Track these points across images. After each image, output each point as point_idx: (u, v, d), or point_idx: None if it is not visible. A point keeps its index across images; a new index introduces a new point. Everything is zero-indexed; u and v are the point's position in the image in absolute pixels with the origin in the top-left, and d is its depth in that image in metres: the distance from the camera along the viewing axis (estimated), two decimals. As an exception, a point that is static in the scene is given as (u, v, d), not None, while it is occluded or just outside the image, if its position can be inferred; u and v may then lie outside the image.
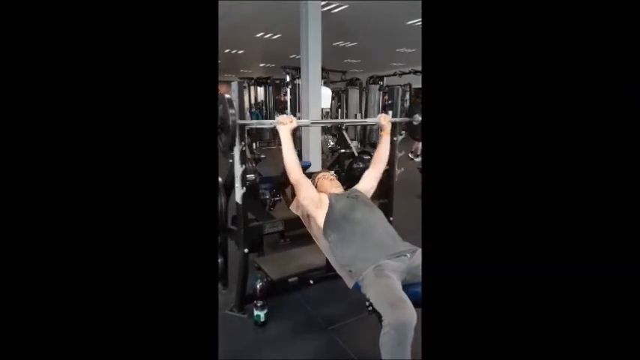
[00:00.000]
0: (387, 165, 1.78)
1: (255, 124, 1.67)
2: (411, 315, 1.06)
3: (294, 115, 6.21)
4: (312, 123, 1.79)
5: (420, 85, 8.50)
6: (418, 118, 1.88)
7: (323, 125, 5.10)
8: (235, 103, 1.62)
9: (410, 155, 5.90)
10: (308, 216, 1.60)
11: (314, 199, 1.53)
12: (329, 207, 1.53)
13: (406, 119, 1.90)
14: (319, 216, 1.51)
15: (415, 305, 1.11)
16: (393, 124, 1.85)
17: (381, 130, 1.76)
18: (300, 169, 1.53)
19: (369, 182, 1.71)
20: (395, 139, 1.98)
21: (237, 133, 1.51)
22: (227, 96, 1.48)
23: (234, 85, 1.61)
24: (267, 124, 1.58)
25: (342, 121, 2.06)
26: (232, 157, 1.61)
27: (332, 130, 5.95)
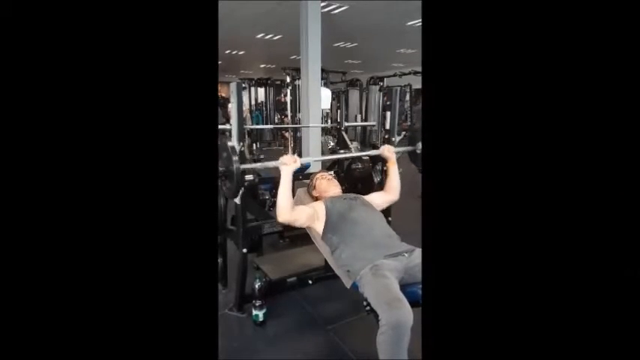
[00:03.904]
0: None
1: (259, 166, 1.60)
2: (407, 315, 1.06)
3: (295, 116, 6.21)
4: (315, 160, 1.73)
5: (420, 86, 8.50)
6: (420, 146, 1.88)
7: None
8: (234, 105, 1.63)
9: None
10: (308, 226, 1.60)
11: (309, 217, 1.52)
12: (326, 211, 1.54)
13: (409, 148, 1.91)
14: (318, 226, 1.53)
15: (413, 305, 1.11)
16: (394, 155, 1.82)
17: (387, 161, 1.76)
18: (292, 210, 1.46)
19: (376, 200, 1.69)
20: (393, 139, 1.99)
21: (241, 180, 1.48)
22: (229, 144, 1.47)
23: (233, 86, 1.62)
24: (270, 165, 1.55)
25: (346, 155, 2.03)
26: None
27: (332, 131, 5.95)
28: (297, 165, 1.48)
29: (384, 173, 1.80)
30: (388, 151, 1.74)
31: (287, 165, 1.46)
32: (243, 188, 1.62)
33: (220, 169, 1.48)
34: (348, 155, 2.04)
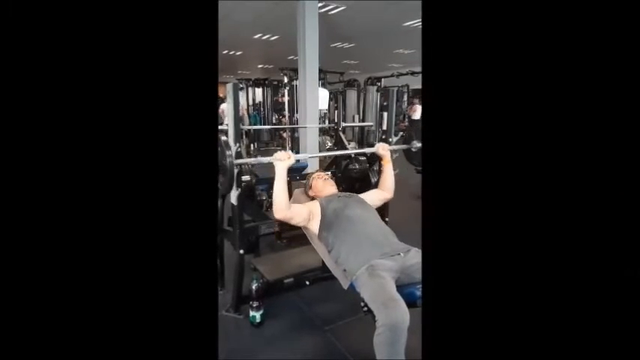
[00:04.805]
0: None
1: (252, 161, 1.61)
2: (402, 315, 1.06)
3: (292, 116, 6.20)
4: (310, 157, 1.73)
5: (417, 86, 8.52)
6: (416, 144, 1.87)
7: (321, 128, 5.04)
8: (230, 105, 1.62)
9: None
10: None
11: (305, 217, 1.53)
12: (321, 210, 1.54)
13: (405, 146, 1.90)
14: (313, 226, 1.54)
15: (410, 306, 1.11)
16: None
17: (381, 160, 1.76)
18: (289, 207, 1.46)
19: (371, 198, 1.69)
20: (390, 140, 1.98)
21: (235, 175, 1.49)
22: (223, 138, 1.47)
23: (229, 86, 1.61)
24: (264, 161, 1.55)
25: (341, 152, 2.05)
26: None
27: (330, 132, 5.96)
28: (292, 161, 1.47)
29: (380, 172, 1.80)
30: (383, 149, 1.74)
31: (281, 161, 1.45)
32: (239, 189, 1.61)
33: None
34: (342, 152, 2.03)
